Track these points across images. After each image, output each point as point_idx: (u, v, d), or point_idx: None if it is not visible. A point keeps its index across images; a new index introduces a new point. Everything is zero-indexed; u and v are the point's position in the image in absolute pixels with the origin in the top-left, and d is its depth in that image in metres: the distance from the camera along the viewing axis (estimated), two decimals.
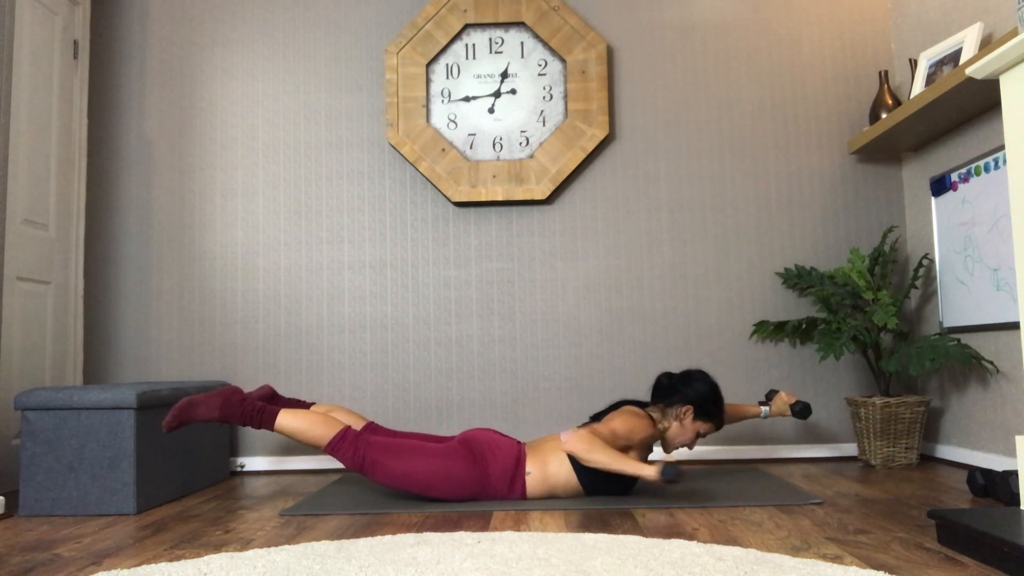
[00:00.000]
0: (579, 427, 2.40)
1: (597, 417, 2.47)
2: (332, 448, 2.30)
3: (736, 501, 2.24)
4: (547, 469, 2.34)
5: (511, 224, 3.25)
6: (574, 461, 2.33)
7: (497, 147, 3.23)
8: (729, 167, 3.27)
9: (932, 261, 3.04)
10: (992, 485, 2.18)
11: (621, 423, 2.35)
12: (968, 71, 1.90)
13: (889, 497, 2.29)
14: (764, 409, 2.71)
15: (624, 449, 2.36)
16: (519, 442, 2.42)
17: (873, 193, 3.25)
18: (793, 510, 2.14)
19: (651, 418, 2.42)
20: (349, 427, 2.32)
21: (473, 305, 3.23)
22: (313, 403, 2.65)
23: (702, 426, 2.46)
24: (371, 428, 2.51)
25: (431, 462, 2.29)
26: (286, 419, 2.31)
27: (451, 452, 2.32)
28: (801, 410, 2.59)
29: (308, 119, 3.32)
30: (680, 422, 2.44)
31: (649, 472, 2.18)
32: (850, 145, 3.21)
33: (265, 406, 2.31)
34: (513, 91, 3.26)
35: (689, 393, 2.43)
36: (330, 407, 2.59)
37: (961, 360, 2.59)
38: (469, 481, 2.30)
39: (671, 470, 2.15)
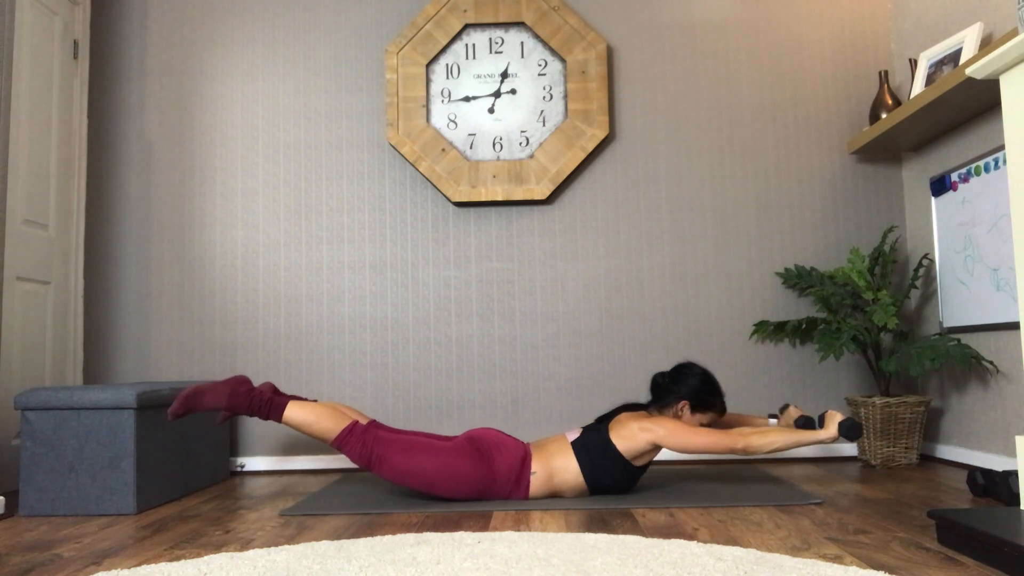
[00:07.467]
0: (588, 429, 2.39)
1: (602, 419, 2.46)
2: (340, 442, 2.29)
3: (736, 501, 2.24)
4: (553, 469, 2.33)
5: (511, 224, 3.25)
6: (580, 459, 2.31)
7: (497, 147, 3.23)
8: (729, 167, 3.27)
9: (932, 261, 3.04)
10: (992, 485, 2.18)
11: (672, 422, 2.33)
12: (968, 71, 1.90)
13: (889, 497, 2.29)
14: (772, 422, 2.65)
15: (644, 455, 2.34)
16: (524, 442, 2.41)
17: (873, 193, 3.25)
18: (793, 510, 2.14)
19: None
20: (357, 422, 2.32)
21: (473, 305, 3.23)
22: (315, 400, 2.65)
23: (703, 417, 2.43)
24: (375, 426, 2.51)
25: (438, 460, 2.29)
26: (294, 411, 2.30)
27: (457, 450, 2.31)
28: (803, 425, 2.56)
29: (308, 119, 3.32)
30: (679, 419, 2.42)
31: (827, 435, 2.28)
32: (850, 145, 3.21)
33: (273, 397, 2.31)
34: (513, 91, 3.26)
35: (682, 389, 2.42)
36: (333, 404, 2.58)
37: (961, 360, 2.59)
38: (474, 480, 2.29)
39: (855, 428, 2.25)
